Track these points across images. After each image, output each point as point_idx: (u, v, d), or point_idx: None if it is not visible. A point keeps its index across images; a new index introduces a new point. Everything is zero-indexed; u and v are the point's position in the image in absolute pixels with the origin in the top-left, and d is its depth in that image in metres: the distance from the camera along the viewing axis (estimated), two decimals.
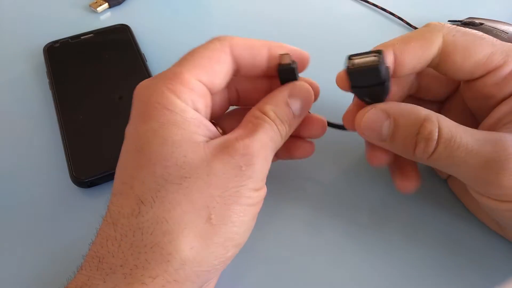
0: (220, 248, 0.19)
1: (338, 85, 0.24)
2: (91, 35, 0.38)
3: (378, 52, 0.21)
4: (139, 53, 0.37)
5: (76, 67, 0.36)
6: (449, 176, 0.28)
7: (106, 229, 0.19)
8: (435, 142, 0.21)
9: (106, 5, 0.42)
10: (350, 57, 0.22)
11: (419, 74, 0.26)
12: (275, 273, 0.25)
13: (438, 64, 0.24)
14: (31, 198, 0.28)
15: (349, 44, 0.39)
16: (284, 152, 0.26)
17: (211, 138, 0.21)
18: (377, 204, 0.28)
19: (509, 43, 0.23)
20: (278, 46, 0.23)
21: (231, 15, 0.43)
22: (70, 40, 0.38)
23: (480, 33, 0.23)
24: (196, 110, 0.21)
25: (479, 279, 0.25)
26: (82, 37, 0.38)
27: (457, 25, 0.38)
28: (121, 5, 0.43)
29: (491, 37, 0.23)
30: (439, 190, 0.28)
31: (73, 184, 0.28)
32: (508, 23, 0.38)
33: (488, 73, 0.23)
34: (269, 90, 0.24)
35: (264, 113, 0.22)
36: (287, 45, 0.24)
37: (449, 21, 0.39)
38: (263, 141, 0.21)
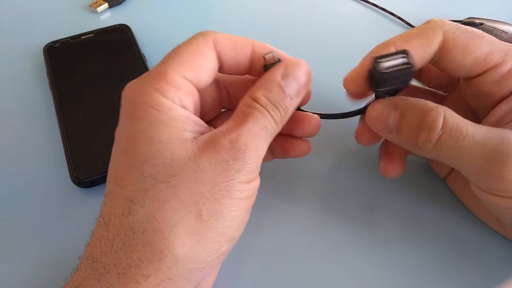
0: (213, 243, 0.19)
1: (348, 88, 0.24)
2: (91, 35, 0.38)
3: (404, 52, 0.21)
4: (139, 53, 0.37)
5: (76, 67, 0.36)
6: (448, 175, 0.28)
7: (99, 230, 0.19)
8: (438, 130, 0.21)
9: (106, 5, 0.42)
10: (378, 60, 0.21)
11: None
12: (274, 271, 0.25)
13: (438, 61, 0.24)
14: (31, 198, 0.28)
15: (349, 44, 0.39)
16: (280, 151, 0.26)
17: (202, 134, 0.21)
18: (376, 203, 0.28)
19: (508, 43, 0.23)
20: (262, 46, 0.23)
21: (231, 15, 0.43)
22: (70, 40, 0.38)
23: (480, 32, 0.24)
24: (184, 107, 0.21)
25: (479, 278, 0.25)
26: (82, 37, 0.38)
27: None
28: (121, 5, 0.43)
29: (491, 36, 0.23)
30: (438, 189, 0.28)
31: (73, 184, 0.28)
32: (508, 23, 0.38)
33: (487, 71, 0.23)
34: None
35: (255, 100, 0.21)
36: (272, 46, 0.23)
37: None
38: (252, 132, 0.20)
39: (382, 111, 0.23)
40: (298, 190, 0.29)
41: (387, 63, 0.21)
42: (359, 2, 0.44)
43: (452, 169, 0.27)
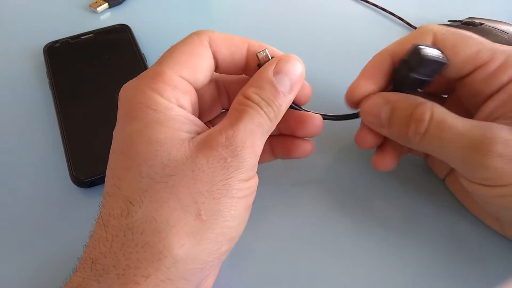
0: (213, 243, 0.19)
1: (365, 76, 0.25)
2: (91, 35, 0.38)
3: (439, 49, 0.23)
4: (139, 53, 0.37)
5: (76, 67, 0.36)
6: (447, 175, 0.28)
7: (98, 231, 0.19)
8: (426, 123, 0.22)
9: (106, 5, 0.42)
10: (420, 45, 0.23)
11: None
12: (274, 271, 0.25)
13: None
14: (31, 198, 0.28)
15: (349, 43, 0.39)
16: (283, 152, 0.26)
17: (199, 133, 0.20)
18: (376, 203, 0.28)
19: (497, 43, 0.24)
20: (257, 45, 0.23)
21: (231, 15, 0.43)
22: (70, 40, 0.38)
23: (469, 33, 0.24)
24: (181, 106, 0.21)
25: (479, 278, 0.25)
26: (82, 37, 0.38)
27: (457, 25, 0.38)
28: (121, 5, 0.43)
29: (479, 36, 0.24)
30: (437, 189, 0.29)
31: (73, 184, 0.28)
32: (508, 23, 0.38)
33: (476, 69, 0.24)
34: None
35: (248, 98, 0.21)
36: (267, 45, 0.23)
37: (449, 21, 0.39)
38: (248, 129, 0.20)
39: (375, 106, 0.24)
40: (298, 190, 0.29)
41: (429, 50, 0.22)
42: (359, 2, 0.44)
43: (451, 170, 0.28)
